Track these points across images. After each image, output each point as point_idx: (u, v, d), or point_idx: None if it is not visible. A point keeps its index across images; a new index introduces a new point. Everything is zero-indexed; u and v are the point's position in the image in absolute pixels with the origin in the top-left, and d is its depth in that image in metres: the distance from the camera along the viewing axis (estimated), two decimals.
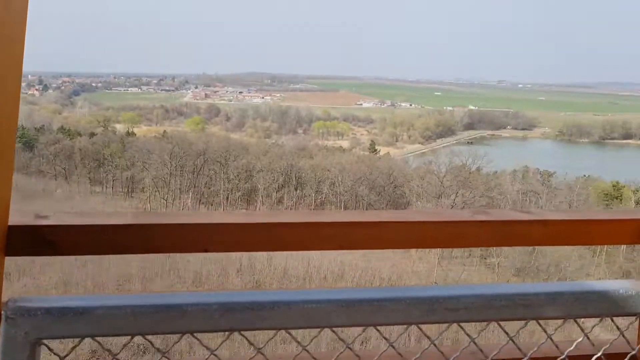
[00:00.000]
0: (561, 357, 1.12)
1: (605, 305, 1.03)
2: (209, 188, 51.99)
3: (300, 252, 33.71)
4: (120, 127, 79.24)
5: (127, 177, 52.93)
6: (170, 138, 59.90)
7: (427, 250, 43.99)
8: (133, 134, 68.09)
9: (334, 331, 1.00)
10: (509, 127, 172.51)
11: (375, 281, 32.19)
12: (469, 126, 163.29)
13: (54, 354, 0.92)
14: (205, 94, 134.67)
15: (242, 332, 0.96)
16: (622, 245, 44.72)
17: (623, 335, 1.15)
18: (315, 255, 34.87)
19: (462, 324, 1.02)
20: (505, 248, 40.78)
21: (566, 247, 40.18)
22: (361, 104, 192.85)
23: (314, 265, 32.99)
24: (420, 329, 1.01)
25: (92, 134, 61.10)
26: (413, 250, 44.06)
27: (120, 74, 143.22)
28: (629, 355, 1.16)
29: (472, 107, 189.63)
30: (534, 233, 1.42)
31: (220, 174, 52.16)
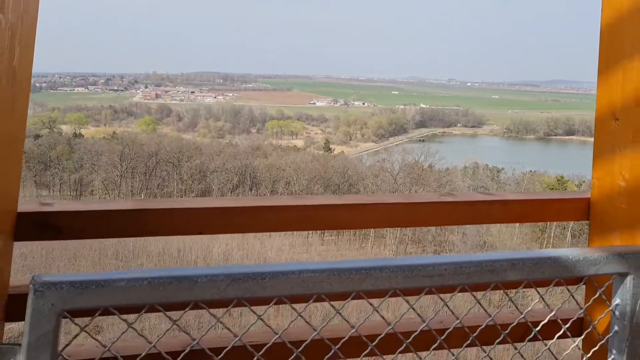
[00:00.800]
0: (520, 317, 1.31)
1: (558, 270, 1.19)
2: (162, 190, 50.99)
3: (256, 253, 33.58)
4: (66, 129, 76.70)
5: (75, 180, 51.27)
6: (120, 139, 58.38)
7: (382, 246, 44.59)
8: (80, 135, 66.02)
9: (325, 297, 1.12)
10: (459, 124, 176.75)
11: None
12: (421, 124, 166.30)
13: (75, 324, 0.99)
14: (156, 94, 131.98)
15: (245, 301, 1.06)
16: (568, 238, 46.66)
17: (572, 297, 1.32)
18: (272, 255, 34.85)
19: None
20: (458, 243, 41.80)
21: (514, 240, 41.57)
22: (314, 103, 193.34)
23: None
24: (401, 295, 1.15)
25: (37, 136, 58.85)
26: (369, 247, 44.57)
27: (66, 74, 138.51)
28: (577, 315, 1.37)
29: (423, 106, 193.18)
30: (495, 212, 1.59)
31: (174, 175, 51.25)
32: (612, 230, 1.53)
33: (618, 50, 1.47)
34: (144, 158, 51.98)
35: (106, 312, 0.98)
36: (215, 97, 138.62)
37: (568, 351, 1.44)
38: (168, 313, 1.04)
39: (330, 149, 73.31)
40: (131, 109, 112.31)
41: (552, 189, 50.57)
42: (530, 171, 62.64)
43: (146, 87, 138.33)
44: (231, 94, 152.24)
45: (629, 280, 1.25)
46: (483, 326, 1.26)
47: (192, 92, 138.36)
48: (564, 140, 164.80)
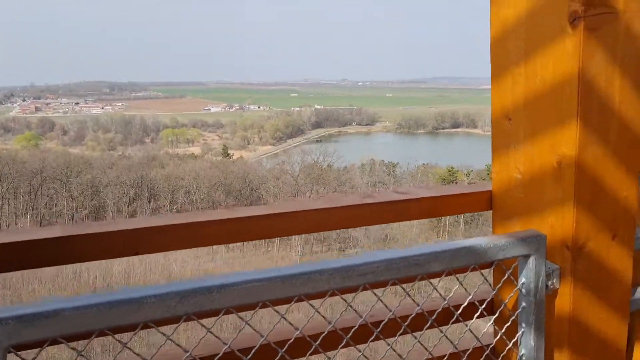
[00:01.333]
0: (444, 304, 1.49)
1: (473, 257, 1.34)
2: (50, 209, 47.67)
3: (160, 267, 32.41)
4: None
5: None
6: None
7: (289, 248, 44.81)
8: None
9: (269, 304, 1.16)
10: (353, 123, 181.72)
11: None
12: (317, 125, 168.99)
13: (21, 359, 0.95)
14: (36, 107, 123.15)
15: (195, 315, 1.07)
16: (461, 225, 49.62)
17: (486, 280, 1.47)
18: (176, 267, 33.80)
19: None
20: (362, 238, 43.00)
21: (414, 230, 43.52)
22: (209, 109, 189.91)
23: (175, 276, 31.88)
24: (339, 294, 1.23)
25: None
26: (275, 250, 44.60)
27: None
28: (491, 295, 1.55)
29: (318, 107, 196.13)
30: (412, 210, 1.73)
31: (62, 192, 48.07)
32: (511, 217, 1.67)
33: (506, 58, 1.61)
34: (28, 176, 48.28)
35: (54, 342, 0.96)
36: (102, 108, 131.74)
37: (485, 329, 1.65)
38: (116, 336, 1.03)
39: (228, 154, 72.38)
40: (8, 124, 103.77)
41: (444, 179, 53.53)
42: (423, 164, 65.76)
43: (24, 101, 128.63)
44: (120, 104, 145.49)
45: (531, 260, 1.42)
46: (413, 315, 1.41)
47: (77, 104, 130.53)
48: (450, 133, 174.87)
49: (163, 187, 47.88)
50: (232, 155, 74.86)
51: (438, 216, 1.82)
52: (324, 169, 56.51)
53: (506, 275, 1.43)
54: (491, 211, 1.80)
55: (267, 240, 46.91)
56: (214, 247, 45.39)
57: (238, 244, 48.43)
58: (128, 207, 47.49)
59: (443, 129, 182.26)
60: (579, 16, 1.37)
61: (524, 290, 1.43)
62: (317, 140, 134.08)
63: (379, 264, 1.22)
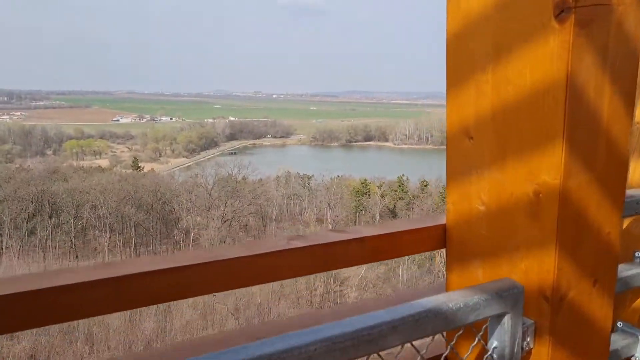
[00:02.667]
0: None
1: (439, 324, 1.07)
2: None
3: None
4: None
5: None
6: None
7: None
8: None
9: None
10: (268, 135, 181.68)
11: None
12: (231, 137, 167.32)
13: None
14: None
15: None
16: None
17: (452, 348, 1.19)
18: None
19: None
20: None
21: None
22: (118, 120, 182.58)
23: None
24: None
25: None
26: None
27: None
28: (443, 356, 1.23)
29: (232, 118, 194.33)
30: (352, 252, 1.42)
31: None
32: (472, 258, 1.40)
33: (468, 61, 1.33)
34: None
35: None
36: None
37: None
38: None
39: (139, 167, 69.68)
40: None
41: (358, 191, 54.57)
42: (338, 176, 66.72)
43: None
44: (19, 113, 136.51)
45: (506, 320, 1.18)
46: None
47: None
48: (363, 146, 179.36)
49: (66, 201, 45.13)
50: (143, 167, 72.16)
51: (384, 259, 1.52)
52: (239, 182, 55.84)
53: (476, 340, 1.18)
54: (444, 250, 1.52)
55: None
56: None
57: None
58: (27, 223, 44.30)
59: (356, 141, 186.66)
60: (569, 7, 1.12)
61: (495, 356, 1.19)
62: (231, 153, 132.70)
63: (317, 346, 0.89)
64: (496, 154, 1.30)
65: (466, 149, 1.37)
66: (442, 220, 1.51)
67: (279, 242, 1.36)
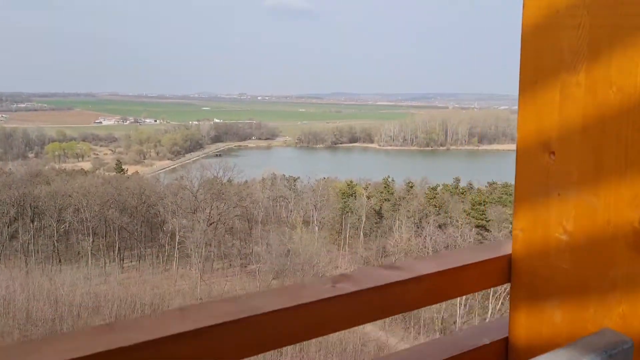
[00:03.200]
0: None
1: None
2: None
3: (45, 292, 29.91)
4: None
5: None
6: None
7: (189, 266, 43.32)
8: None
9: None
10: (253, 137, 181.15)
11: (137, 309, 30.30)
12: (216, 139, 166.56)
13: None
14: None
15: None
16: (361, 237, 50.73)
17: None
18: (64, 292, 31.40)
19: None
20: (263, 254, 42.52)
21: (316, 245, 43.82)
22: (101, 122, 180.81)
23: (63, 303, 29.59)
24: None
25: None
26: (174, 268, 42.92)
27: None
28: None
29: (217, 120, 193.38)
30: (410, 295, 1.20)
31: None
32: (547, 296, 1.18)
33: (552, 58, 1.11)
34: None
35: None
36: None
37: None
38: None
39: (122, 169, 68.95)
40: None
41: (344, 193, 54.56)
42: (324, 178, 66.64)
43: None
44: (0, 116, 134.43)
45: None
46: None
47: None
48: (349, 148, 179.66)
49: (48, 205, 44.47)
50: (127, 170, 71.43)
51: (444, 300, 1.30)
52: (224, 184, 55.50)
53: None
54: (508, 284, 1.28)
55: (166, 258, 45.10)
56: (107, 267, 42.88)
57: (134, 261, 46.15)
58: (8, 227, 43.59)
59: (341, 143, 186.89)
60: None
61: None
62: (216, 155, 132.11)
63: None
64: (588, 173, 1.08)
65: (545, 166, 1.15)
66: (506, 250, 1.28)
67: (322, 286, 1.11)
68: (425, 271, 1.21)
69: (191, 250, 41.16)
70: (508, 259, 1.27)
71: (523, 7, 1.15)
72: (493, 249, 1.31)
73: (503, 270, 1.28)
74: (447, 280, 1.25)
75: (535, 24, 1.13)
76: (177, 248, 43.29)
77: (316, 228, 49.70)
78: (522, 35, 1.16)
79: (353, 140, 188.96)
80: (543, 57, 1.13)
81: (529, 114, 1.18)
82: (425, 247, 40.66)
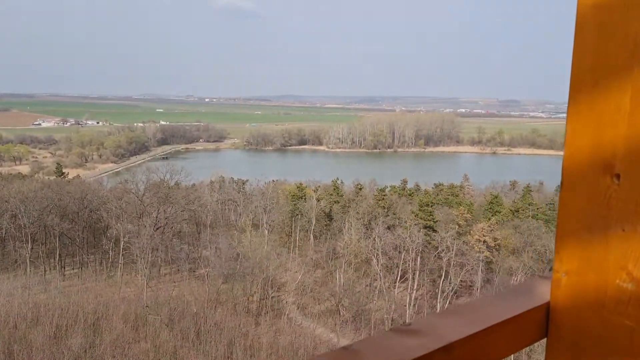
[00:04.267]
0: None
1: None
2: None
3: None
4: None
5: None
6: None
7: (134, 272, 42.05)
8: None
9: None
10: (201, 139, 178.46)
11: (80, 318, 29.11)
12: (163, 141, 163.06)
13: None
14: None
15: None
16: (311, 240, 50.70)
17: None
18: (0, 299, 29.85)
19: None
20: (212, 257, 41.79)
21: (265, 248, 43.42)
22: (40, 124, 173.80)
23: (0, 313, 28.08)
24: None
25: None
26: (118, 275, 41.54)
27: None
28: None
29: (164, 123, 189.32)
30: None
31: None
32: (600, 359, 0.95)
33: (621, 49, 0.85)
34: None
35: None
36: None
37: None
38: None
39: (63, 173, 66.32)
40: None
41: (294, 195, 54.37)
42: (273, 180, 66.32)
43: None
44: None
45: None
46: None
47: None
48: (298, 150, 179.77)
49: None
50: (68, 174, 68.80)
51: None
52: (172, 187, 54.32)
53: None
54: (545, 339, 1.04)
55: (110, 264, 43.63)
56: (47, 275, 41.04)
57: (75, 269, 44.37)
58: None
59: (290, 145, 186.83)
60: None
61: None
62: (163, 157, 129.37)
63: None
64: None
65: (605, 192, 0.90)
66: (542, 296, 1.04)
67: None
68: (453, 336, 0.92)
69: (137, 256, 39.96)
70: (546, 309, 1.02)
71: (578, 2, 0.89)
72: (527, 296, 1.06)
73: (539, 323, 1.03)
74: (479, 345, 0.96)
75: (598, 3, 0.86)
76: (122, 254, 41.97)
77: (266, 231, 49.31)
78: (577, 21, 0.90)
79: (302, 142, 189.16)
80: (608, 50, 0.87)
81: (583, 125, 0.92)
82: (375, 249, 41.02)
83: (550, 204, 51.77)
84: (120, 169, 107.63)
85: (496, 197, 53.43)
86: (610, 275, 0.92)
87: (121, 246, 41.61)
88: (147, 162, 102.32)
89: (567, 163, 0.95)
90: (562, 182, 0.97)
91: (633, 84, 0.84)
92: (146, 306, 33.00)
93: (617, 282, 0.91)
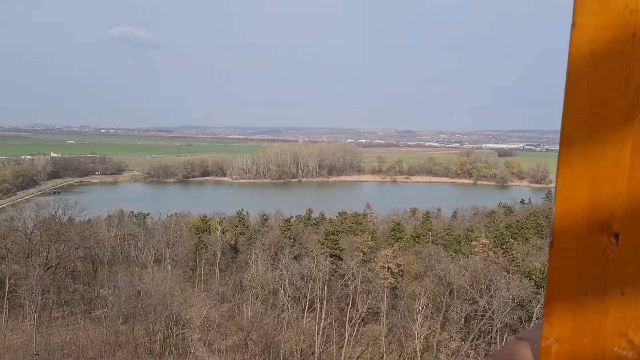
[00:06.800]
0: None
1: None
2: None
3: None
4: None
5: None
6: None
7: (22, 317, 38.65)
8: None
9: None
10: (97, 172, 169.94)
11: None
12: (54, 174, 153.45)
13: None
14: None
15: None
16: (217, 273, 49.37)
17: None
18: None
19: None
20: (110, 297, 39.38)
21: (169, 284, 41.71)
22: None
23: None
24: None
25: None
26: (3, 321, 37.99)
27: None
28: None
29: (55, 155, 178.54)
30: None
31: None
32: None
33: (620, 100, 0.77)
34: None
35: None
36: None
37: None
38: None
39: None
40: None
41: (198, 228, 52.96)
42: (176, 213, 64.33)
43: None
44: None
45: None
46: None
47: None
48: (201, 181, 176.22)
49: None
50: None
51: None
52: (64, 224, 50.99)
53: None
54: None
55: None
56: None
57: None
58: None
59: (193, 177, 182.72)
60: None
61: None
62: (54, 192, 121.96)
63: None
64: None
65: (601, 253, 0.81)
66: None
67: None
68: None
69: (24, 299, 36.81)
70: None
71: (573, 26, 0.81)
72: None
73: None
74: None
75: (593, 51, 0.79)
76: (7, 298, 38.49)
77: (169, 266, 47.46)
78: (569, 70, 0.81)
79: (205, 173, 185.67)
80: (604, 100, 0.79)
81: (576, 180, 0.82)
82: (282, 279, 40.75)
83: (448, 229, 54.43)
84: (5, 205, 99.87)
85: (398, 224, 55.34)
86: (607, 343, 0.83)
87: (6, 289, 38.19)
88: (36, 197, 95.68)
89: (558, 220, 0.86)
90: (552, 241, 0.88)
91: (634, 137, 0.77)
92: (35, 354, 30.33)
93: (615, 350, 0.82)
